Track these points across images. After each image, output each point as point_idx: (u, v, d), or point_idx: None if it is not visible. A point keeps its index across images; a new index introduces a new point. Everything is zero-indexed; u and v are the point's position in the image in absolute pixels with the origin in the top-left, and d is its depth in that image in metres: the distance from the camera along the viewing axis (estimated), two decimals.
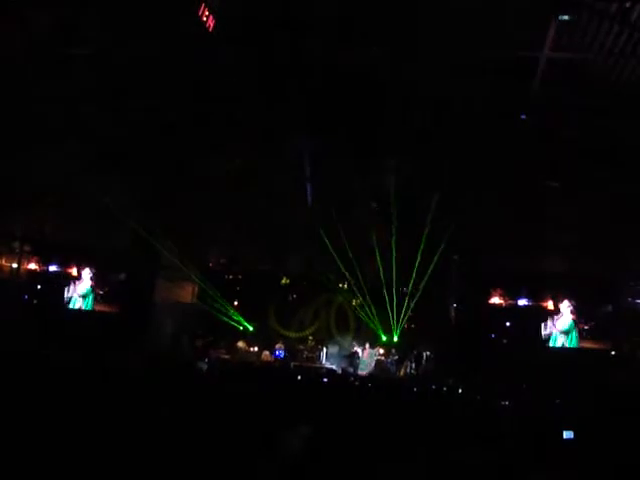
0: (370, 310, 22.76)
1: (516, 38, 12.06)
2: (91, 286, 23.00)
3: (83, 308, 22.97)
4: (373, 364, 22.38)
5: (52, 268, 23.51)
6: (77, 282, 23.20)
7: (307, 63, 13.76)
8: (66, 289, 23.21)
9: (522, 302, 20.62)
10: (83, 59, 12.79)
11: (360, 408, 10.54)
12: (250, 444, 7.10)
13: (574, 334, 19.83)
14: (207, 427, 7.81)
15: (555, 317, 20.13)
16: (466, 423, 9.62)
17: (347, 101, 14.77)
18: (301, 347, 23.79)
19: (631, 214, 17.18)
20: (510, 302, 20.72)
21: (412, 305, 22.27)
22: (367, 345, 22.99)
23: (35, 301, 23.32)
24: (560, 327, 20.04)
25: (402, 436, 8.32)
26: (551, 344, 20.03)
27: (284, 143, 17.04)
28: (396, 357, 22.38)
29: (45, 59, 13.22)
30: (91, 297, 22.93)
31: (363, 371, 22.02)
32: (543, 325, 20.25)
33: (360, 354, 22.84)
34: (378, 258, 20.95)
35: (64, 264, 23.39)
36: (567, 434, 8.48)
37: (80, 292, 23.08)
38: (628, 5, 10.59)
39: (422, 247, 19.71)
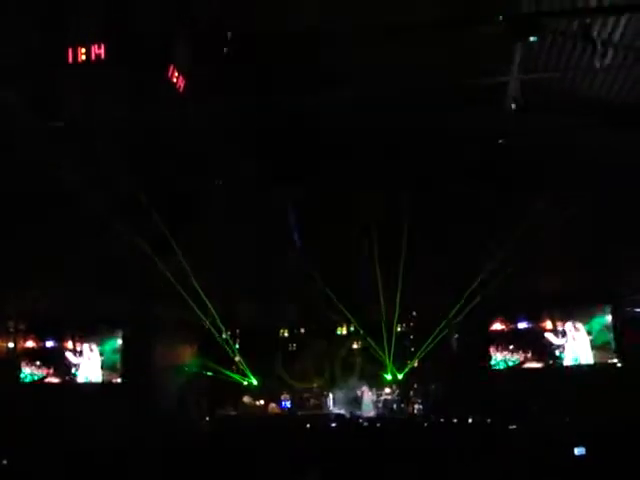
0: (372, 351, 22.58)
1: (485, 65, 12.28)
2: (92, 357, 22.80)
3: (92, 381, 22.75)
4: (379, 404, 22.14)
5: (50, 344, 23.28)
6: (77, 355, 23.01)
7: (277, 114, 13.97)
8: (69, 364, 23.01)
9: (522, 325, 20.53)
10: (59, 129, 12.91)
11: (370, 450, 10.40)
12: None
13: (589, 349, 19.70)
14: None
15: (564, 336, 19.98)
16: (482, 454, 9.53)
17: (321, 146, 14.94)
18: (307, 395, 23.44)
19: (620, 226, 17.29)
20: (511, 327, 20.64)
21: (414, 342, 22.14)
22: (367, 387, 22.71)
23: (38, 379, 23.05)
24: (577, 345, 19.89)
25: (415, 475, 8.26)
26: (572, 362, 19.91)
27: (266, 193, 17.15)
28: (403, 395, 22.14)
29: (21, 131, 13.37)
30: (97, 368, 22.76)
31: (368, 413, 21.76)
32: (557, 348, 20.09)
33: (361, 396, 22.58)
34: (375, 298, 20.90)
35: (61, 339, 23.18)
36: (579, 450, 8.44)
37: (84, 365, 22.90)
38: (588, 21, 10.81)
39: (418, 282, 19.68)
